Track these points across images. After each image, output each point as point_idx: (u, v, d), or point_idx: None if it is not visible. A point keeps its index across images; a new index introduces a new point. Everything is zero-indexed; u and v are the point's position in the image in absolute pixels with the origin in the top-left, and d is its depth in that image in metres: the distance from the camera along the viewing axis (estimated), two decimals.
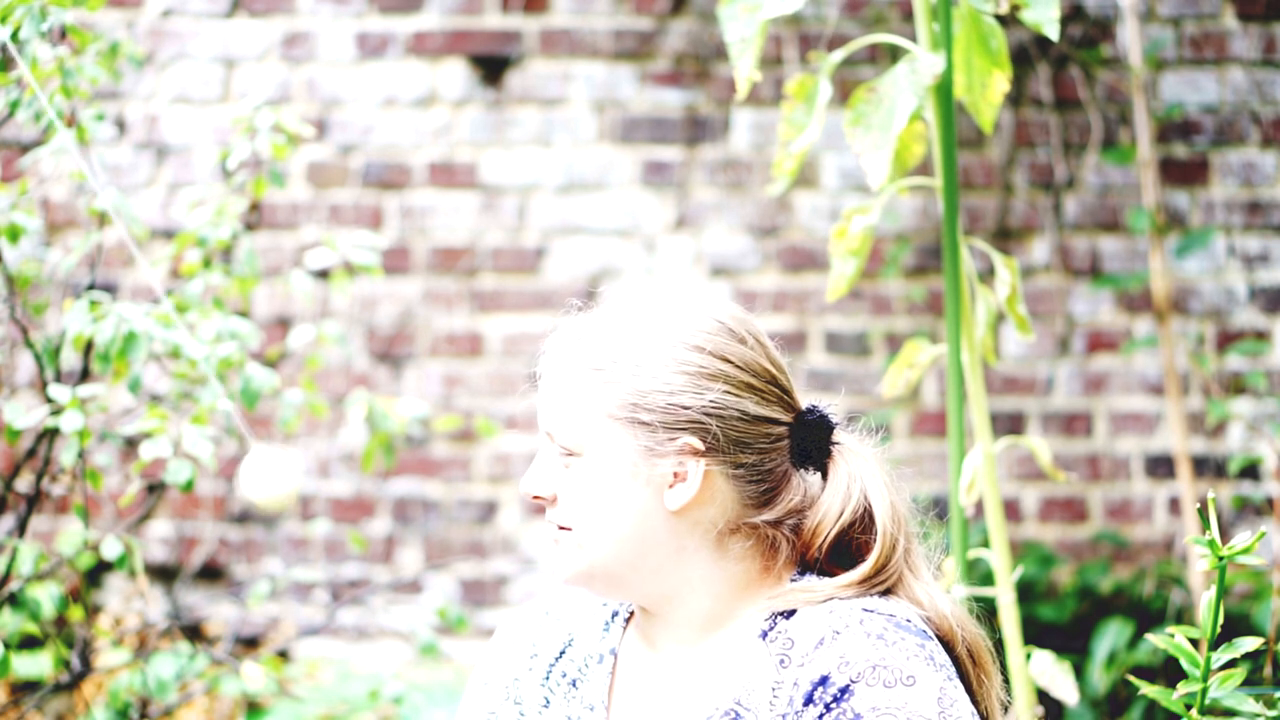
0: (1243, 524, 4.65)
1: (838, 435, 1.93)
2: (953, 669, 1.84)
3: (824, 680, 1.80)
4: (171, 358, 2.99)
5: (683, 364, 1.85)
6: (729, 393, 1.86)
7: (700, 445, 1.85)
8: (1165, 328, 4.40)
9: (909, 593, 1.88)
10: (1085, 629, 4.47)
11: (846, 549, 1.90)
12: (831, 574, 1.90)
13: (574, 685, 1.97)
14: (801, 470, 1.92)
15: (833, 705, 1.79)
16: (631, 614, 1.99)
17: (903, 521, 1.90)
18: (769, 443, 1.88)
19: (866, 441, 1.95)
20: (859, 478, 1.90)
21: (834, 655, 1.81)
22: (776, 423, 1.89)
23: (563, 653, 2.00)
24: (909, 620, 1.84)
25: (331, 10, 4.82)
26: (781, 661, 1.84)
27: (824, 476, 1.92)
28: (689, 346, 1.86)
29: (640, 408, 1.84)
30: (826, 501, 1.90)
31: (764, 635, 1.87)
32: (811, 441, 1.91)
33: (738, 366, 1.87)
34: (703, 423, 1.85)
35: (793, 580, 1.90)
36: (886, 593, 1.88)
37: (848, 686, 1.78)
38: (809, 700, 1.80)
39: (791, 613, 1.87)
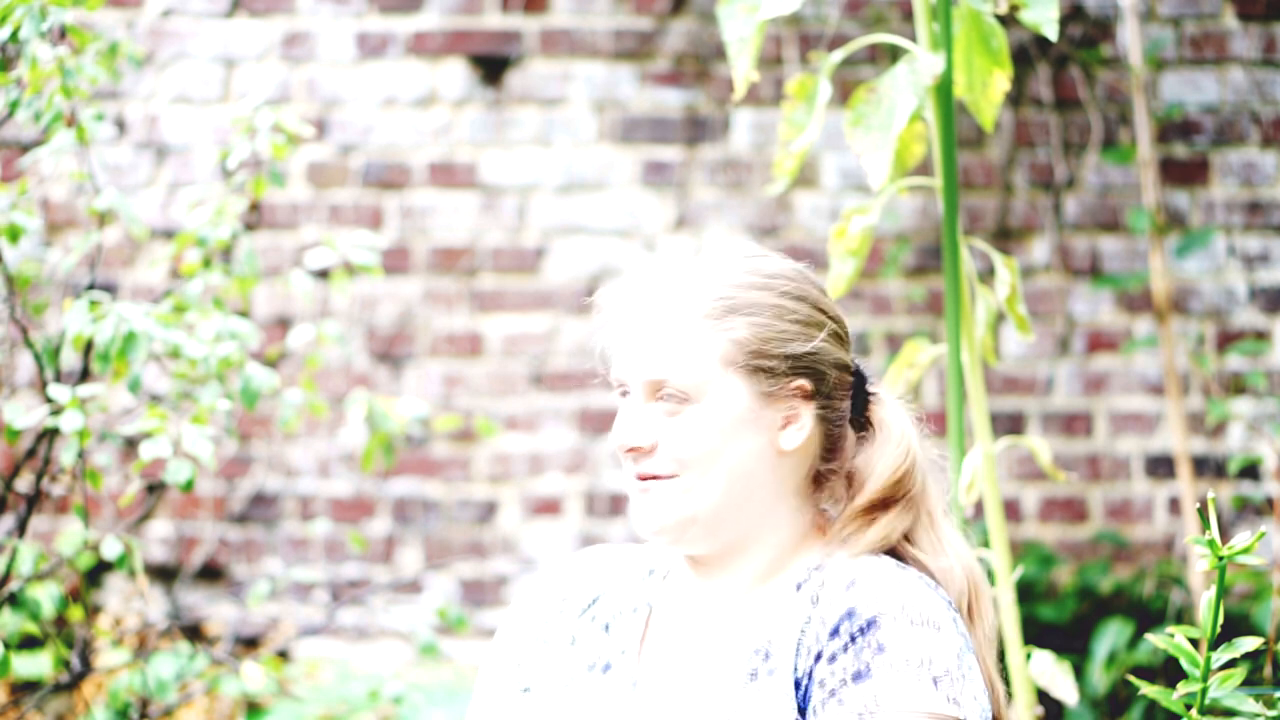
0: (1243, 524, 4.64)
1: (870, 386, 2.04)
2: (970, 642, 1.91)
3: (850, 613, 1.86)
4: (171, 358, 2.99)
5: (792, 312, 1.94)
6: (827, 340, 1.96)
7: (811, 387, 1.94)
8: (1165, 328, 4.39)
9: (928, 536, 1.97)
10: (1085, 629, 4.47)
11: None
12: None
13: (605, 630, 2.02)
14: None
15: (858, 636, 1.84)
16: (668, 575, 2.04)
17: (926, 463, 2.02)
18: (846, 391, 2.00)
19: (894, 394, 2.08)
20: (899, 423, 2.02)
21: (862, 593, 1.87)
22: (848, 371, 2.00)
23: (593, 602, 2.04)
24: (938, 587, 1.92)
25: (331, 10, 4.82)
26: (813, 599, 1.90)
27: (858, 430, 2.02)
28: (793, 296, 1.95)
29: (759, 354, 1.92)
30: (876, 454, 2.00)
31: (799, 586, 1.93)
32: (859, 393, 2.02)
33: (830, 317, 1.98)
34: (813, 368, 1.95)
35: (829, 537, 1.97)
36: (908, 536, 1.96)
37: (874, 619, 1.85)
38: (835, 632, 1.86)
39: (826, 564, 1.94)
